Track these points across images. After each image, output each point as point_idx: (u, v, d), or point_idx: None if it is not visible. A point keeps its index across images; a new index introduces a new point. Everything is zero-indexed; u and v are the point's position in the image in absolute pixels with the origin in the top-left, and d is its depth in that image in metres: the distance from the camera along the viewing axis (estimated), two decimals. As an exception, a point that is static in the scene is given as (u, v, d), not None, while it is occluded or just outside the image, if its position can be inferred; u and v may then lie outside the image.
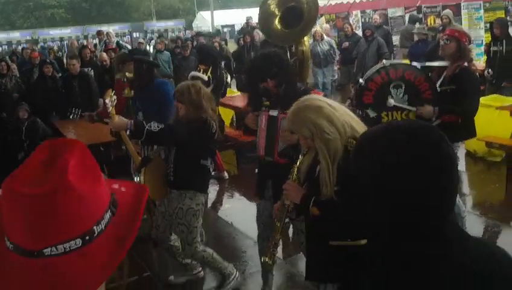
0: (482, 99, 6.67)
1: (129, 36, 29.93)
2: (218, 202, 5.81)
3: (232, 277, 3.75)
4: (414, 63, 4.36)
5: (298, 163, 2.46)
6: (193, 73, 5.27)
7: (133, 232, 0.92)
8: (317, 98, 2.39)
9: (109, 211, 0.90)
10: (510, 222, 4.79)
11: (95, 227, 0.86)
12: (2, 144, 7.24)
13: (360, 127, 2.28)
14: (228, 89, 7.56)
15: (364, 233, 2.10)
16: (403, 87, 3.88)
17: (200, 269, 4.05)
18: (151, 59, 5.03)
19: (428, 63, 4.24)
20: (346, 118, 2.28)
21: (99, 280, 0.87)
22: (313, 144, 2.30)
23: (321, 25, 14.48)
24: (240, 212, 5.28)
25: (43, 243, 0.83)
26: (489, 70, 7.48)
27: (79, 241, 0.84)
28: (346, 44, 10.40)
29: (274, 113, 3.23)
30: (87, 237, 0.85)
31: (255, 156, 3.58)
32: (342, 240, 2.30)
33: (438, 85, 3.99)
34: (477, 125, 6.30)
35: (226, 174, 6.41)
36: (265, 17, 5.29)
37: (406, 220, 1.09)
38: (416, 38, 9.68)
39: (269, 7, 5.25)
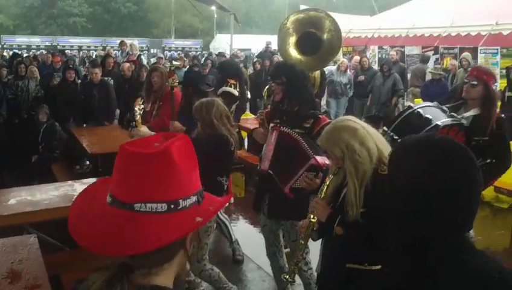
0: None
1: (147, 51, 30.35)
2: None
3: None
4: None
5: (328, 182, 2.49)
6: (224, 88, 5.15)
7: (207, 218, 1.04)
8: (353, 120, 2.43)
9: (197, 196, 1.02)
10: (514, 269, 4.77)
11: (180, 201, 0.97)
12: (16, 145, 7.36)
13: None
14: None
15: (382, 258, 2.16)
16: None
17: (202, 288, 4.05)
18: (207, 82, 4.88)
19: (466, 114, 3.71)
20: (379, 143, 2.33)
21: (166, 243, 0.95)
22: (343, 165, 2.34)
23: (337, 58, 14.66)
24: (245, 235, 5.29)
25: (135, 198, 0.95)
26: (503, 115, 7.51)
27: (164, 206, 0.95)
28: (362, 77, 10.48)
29: (307, 149, 3.08)
30: (172, 206, 0.96)
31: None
32: (359, 263, 2.34)
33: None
34: (487, 169, 6.40)
35: (231, 199, 6.36)
36: (282, 38, 5.15)
37: (420, 230, 1.20)
38: (429, 77, 9.77)
39: (287, 28, 5.10)
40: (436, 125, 3.42)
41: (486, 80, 3.65)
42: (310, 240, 2.67)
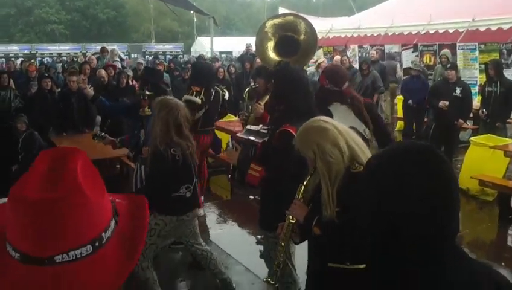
0: (476, 138, 6.80)
1: (127, 56, 30.14)
2: (210, 226, 5.75)
3: None
4: None
5: (305, 182, 2.45)
6: (185, 97, 4.97)
7: (141, 242, 0.92)
8: (324, 119, 2.40)
9: (113, 219, 0.90)
10: (502, 263, 4.80)
11: (103, 234, 0.86)
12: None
13: (364, 152, 2.30)
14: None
15: (364, 257, 2.13)
16: None
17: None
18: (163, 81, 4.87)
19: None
20: (351, 142, 2.29)
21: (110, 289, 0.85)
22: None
23: (318, 57, 14.71)
24: (232, 238, 5.24)
25: (53, 250, 0.81)
26: (484, 110, 7.61)
27: (90, 248, 0.83)
28: (342, 77, 10.54)
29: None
30: (96, 244, 0.84)
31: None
32: (341, 262, 2.30)
33: None
34: (471, 163, 6.45)
35: (201, 211, 5.97)
36: (261, 41, 5.27)
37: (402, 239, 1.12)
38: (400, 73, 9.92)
39: (265, 33, 5.23)
40: None
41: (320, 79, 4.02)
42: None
